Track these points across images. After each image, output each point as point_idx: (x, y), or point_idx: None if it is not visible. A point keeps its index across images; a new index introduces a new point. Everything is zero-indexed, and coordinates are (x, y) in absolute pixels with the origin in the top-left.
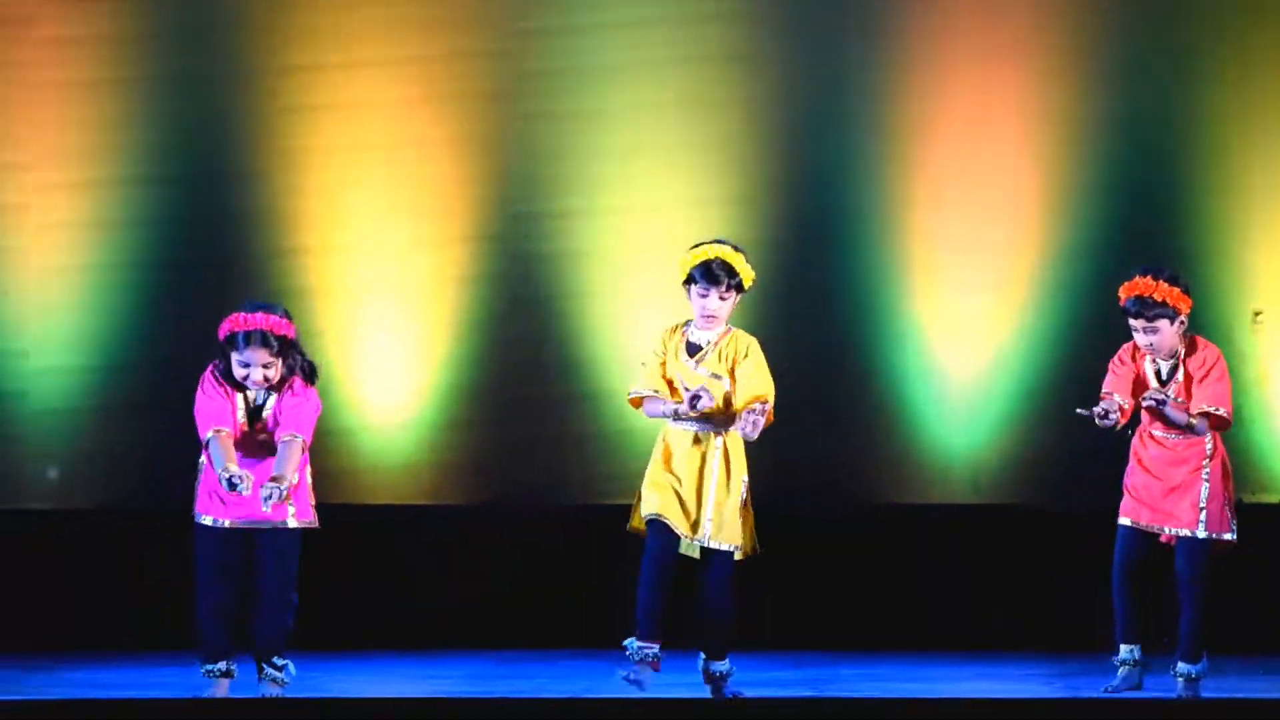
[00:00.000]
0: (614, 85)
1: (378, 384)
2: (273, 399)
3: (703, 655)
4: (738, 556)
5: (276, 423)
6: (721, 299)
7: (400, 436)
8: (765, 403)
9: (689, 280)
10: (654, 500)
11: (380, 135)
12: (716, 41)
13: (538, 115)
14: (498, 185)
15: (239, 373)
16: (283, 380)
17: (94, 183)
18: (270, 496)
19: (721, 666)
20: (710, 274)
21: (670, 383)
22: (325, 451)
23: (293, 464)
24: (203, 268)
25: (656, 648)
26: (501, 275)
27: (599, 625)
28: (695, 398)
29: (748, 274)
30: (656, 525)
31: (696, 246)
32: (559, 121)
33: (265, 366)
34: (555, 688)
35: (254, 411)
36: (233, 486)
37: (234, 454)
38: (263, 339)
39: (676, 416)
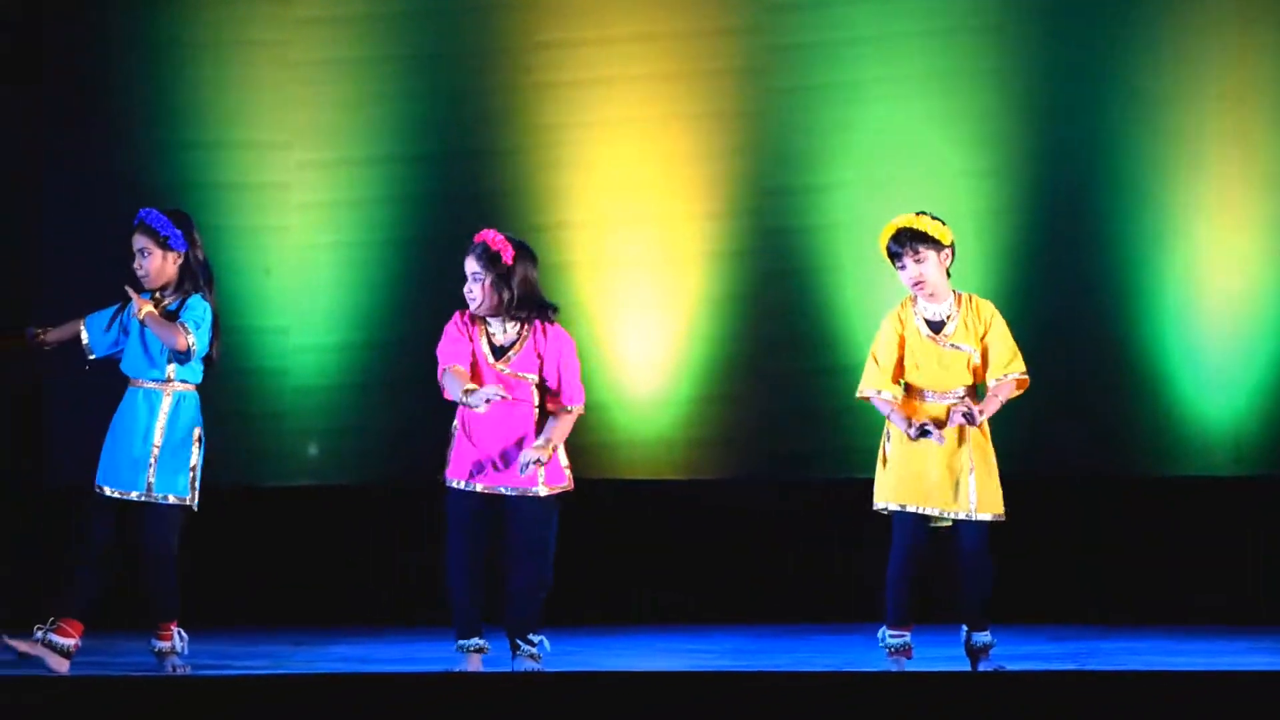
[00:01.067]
0: (865, 59)
1: (633, 359)
2: (524, 341)
3: (965, 627)
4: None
5: (537, 369)
6: (918, 263)
7: (656, 411)
8: (974, 409)
9: (890, 257)
10: (898, 490)
11: (633, 110)
12: (968, 13)
13: (789, 90)
14: (749, 160)
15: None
16: (520, 321)
17: (352, 161)
18: (529, 463)
19: (984, 638)
20: (893, 251)
21: (900, 362)
22: (581, 427)
23: (563, 435)
24: (459, 245)
25: (908, 635)
26: (754, 250)
27: (855, 599)
28: (924, 433)
29: (936, 229)
30: (901, 517)
31: (885, 227)
32: (810, 95)
33: (473, 278)
34: (815, 661)
35: (498, 350)
36: (478, 401)
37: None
38: (479, 251)
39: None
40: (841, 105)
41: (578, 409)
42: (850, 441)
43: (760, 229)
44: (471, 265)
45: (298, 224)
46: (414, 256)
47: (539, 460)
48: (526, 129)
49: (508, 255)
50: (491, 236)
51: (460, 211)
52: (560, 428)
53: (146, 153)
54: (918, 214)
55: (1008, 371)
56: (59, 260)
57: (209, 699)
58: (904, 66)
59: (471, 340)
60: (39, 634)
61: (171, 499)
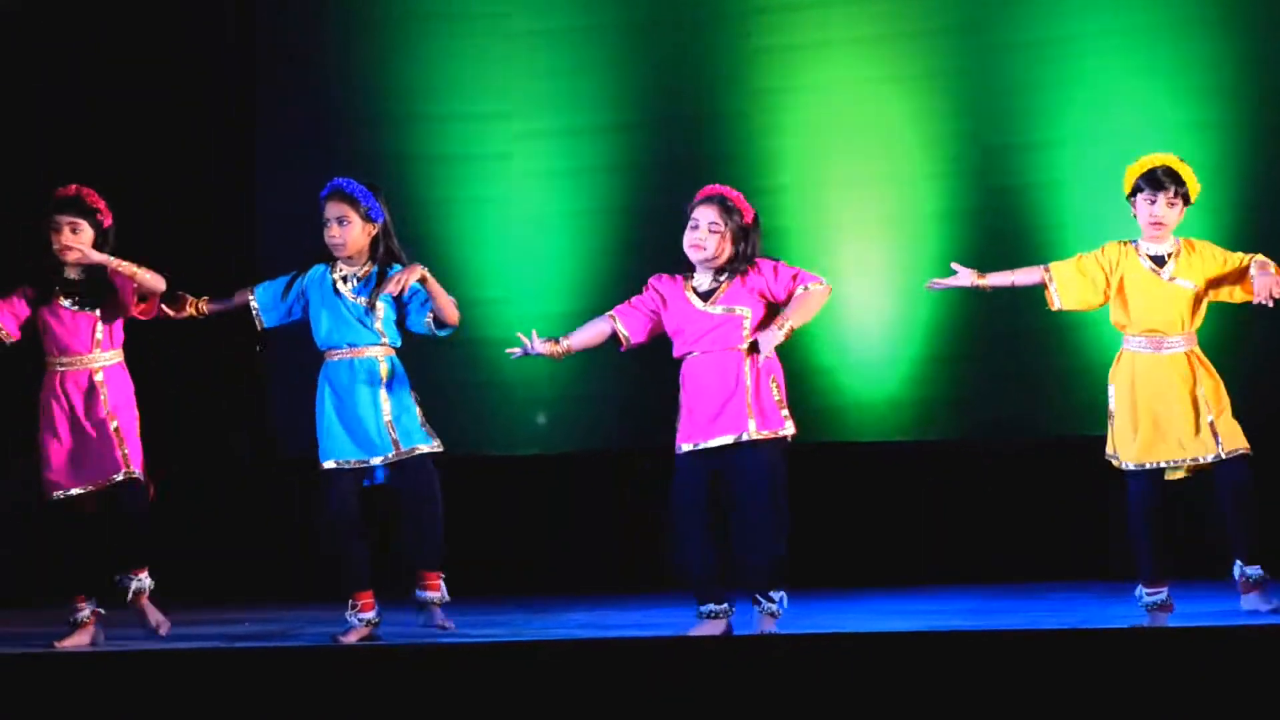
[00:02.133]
0: (1085, 13)
1: (857, 321)
2: (730, 280)
3: (1237, 562)
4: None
5: (753, 297)
6: (1170, 205)
7: (882, 373)
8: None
9: (1134, 192)
10: (1131, 446)
11: (851, 72)
12: None
13: (1009, 46)
14: (969, 119)
15: None
16: (727, 273)
17: (571, 130)
18: (767, 348)
19: (1256, 571)
20: (1155, 180)
21: (1084, 279)
22: (808, 390)
23: (804, 316)
24: (678, 212)
25: (1165, 591)
26: (976, 209)
27: (1087, 558)
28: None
29: (1194, 184)
30: (1138, 474)
31: (1140, 160)
32: (1030, 51)
33: (710, 228)
34: (1049, 620)
35: (705, 295)
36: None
37: None
38: (719, 201)
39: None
40: (1061, 60)
41: (817, 286)
42: (1078, 399)
43: (982, 188)
44: (710, 214)
45: (517, 193)
46: (634, 224)
47: (772, 342)
48: (745, 93)
49: (749, 215)
50: (728, 190)
51: (678, 178)
52: (798, 307)
53: (366, 126)
54: (1180, 161)
55: (1245, 264)
56: (275, 236)
57: (448, 665)
58: (1126, 18)
59: (666, 300)
60: (358, 619)
61: (423, 449)
